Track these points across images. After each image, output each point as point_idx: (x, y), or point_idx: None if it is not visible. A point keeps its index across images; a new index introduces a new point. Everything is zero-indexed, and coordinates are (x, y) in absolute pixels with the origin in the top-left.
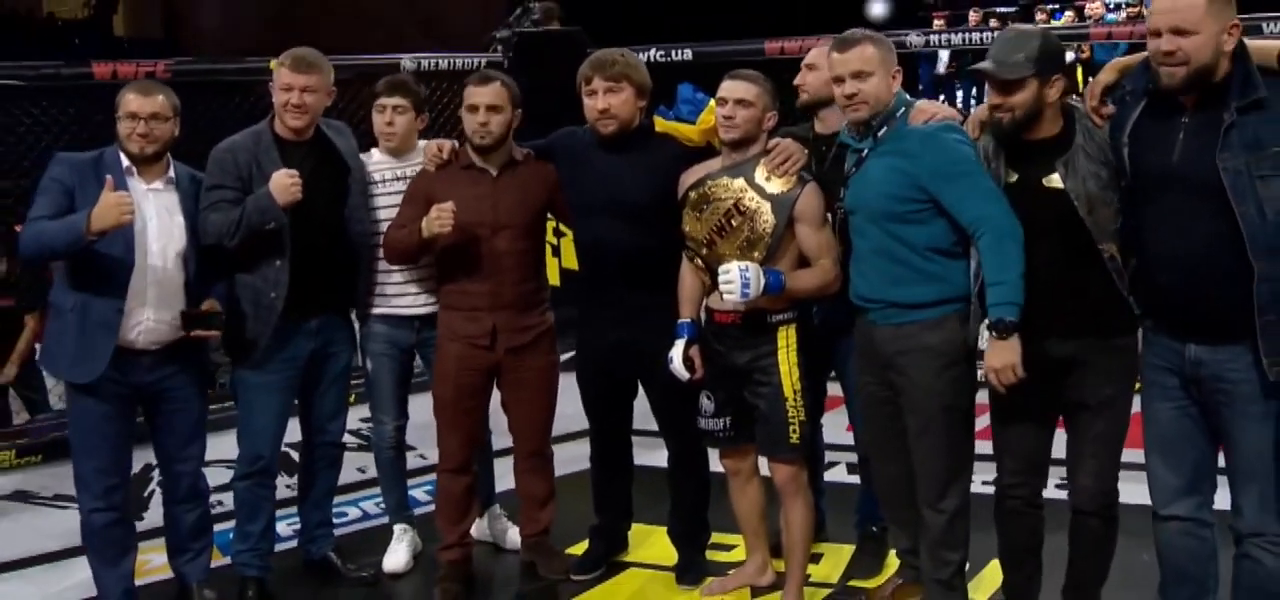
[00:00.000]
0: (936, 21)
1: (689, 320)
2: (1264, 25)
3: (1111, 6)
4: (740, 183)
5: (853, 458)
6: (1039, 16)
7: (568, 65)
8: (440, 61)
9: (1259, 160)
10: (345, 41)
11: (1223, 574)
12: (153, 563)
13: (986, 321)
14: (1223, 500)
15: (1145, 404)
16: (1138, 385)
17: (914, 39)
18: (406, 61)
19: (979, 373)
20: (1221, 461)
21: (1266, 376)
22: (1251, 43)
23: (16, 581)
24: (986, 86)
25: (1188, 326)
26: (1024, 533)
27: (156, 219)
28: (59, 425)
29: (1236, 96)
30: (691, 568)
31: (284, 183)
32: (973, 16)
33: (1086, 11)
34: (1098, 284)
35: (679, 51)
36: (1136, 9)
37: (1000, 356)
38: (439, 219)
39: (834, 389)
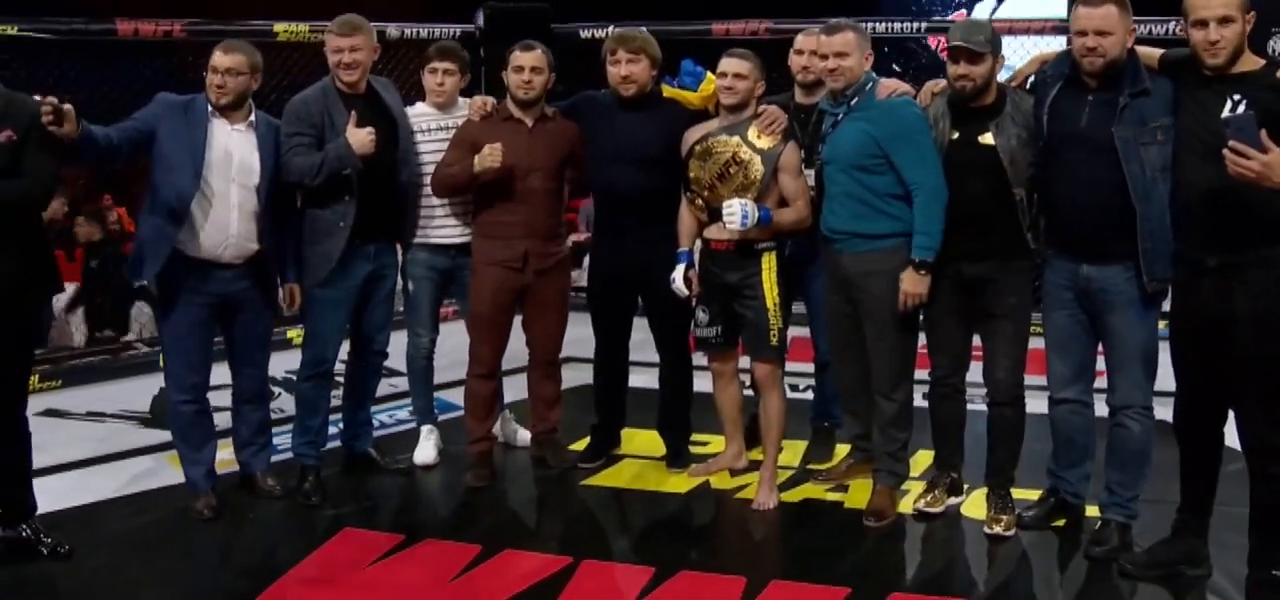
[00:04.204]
0: None
1: (687, 249)
2: (1150, 28)
3: None
4: (736, 140)
5: (800, 381)
6: None
7: (534, 35)
8: (421, 30)
9: (1142, 133)
10: (259, 7)
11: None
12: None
13: (921, 262)
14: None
15: (1046, 313)
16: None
17: None
18: (391, 29)
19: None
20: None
21: (1142, 288)
22: (1140, 49)
23: (92, 476)
24: (950, 59)
25: (1083, 251)
26: (953, 412)
27: (238, 155)
28: (75, 354)
29: (1129, 85)
30: (679, 455)
31: (364, 138)
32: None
33: None
34: (1007, 220)
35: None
36: None
37: (915, 285)
38: (491, 155)
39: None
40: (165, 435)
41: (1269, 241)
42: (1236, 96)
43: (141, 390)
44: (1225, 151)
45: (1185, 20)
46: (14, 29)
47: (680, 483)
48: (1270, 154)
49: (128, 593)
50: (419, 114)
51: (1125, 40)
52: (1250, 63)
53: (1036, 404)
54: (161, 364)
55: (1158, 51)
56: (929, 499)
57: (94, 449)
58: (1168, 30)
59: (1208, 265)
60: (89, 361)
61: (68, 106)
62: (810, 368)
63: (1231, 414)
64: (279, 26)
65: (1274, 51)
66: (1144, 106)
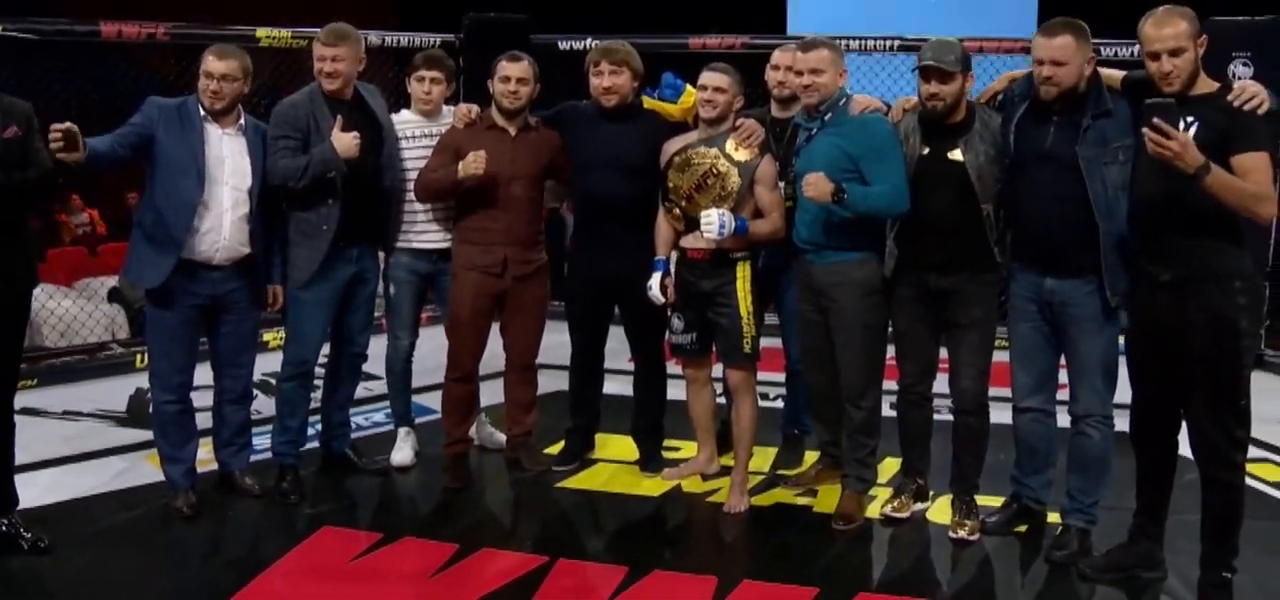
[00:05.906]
0: None
1: (663, 257)
2: (1106, 50)
3: None
4: (714, 151)
5: (771, 390)
6: None
7: (512, 46)
8: (402, 39)
9: (1104, 153)
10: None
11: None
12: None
13: (841, 191)
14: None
15: (1011, 325)
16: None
17: None
18: (372, 37)
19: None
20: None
21: (1104, 302)
22: (1103, 70)
23: (71, 473)
24: (922, 78)
25: (1047, 264)
26: (920, 420)
27: (230, 159)
28: (50, 353)
29: (1092, 107)
30: (652, 460)
31: (348, 142)
32: None
33: None
34: (974, 234)
35: None
36: None
37: (817, 187)
38: (475, 162)
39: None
40: (143, 434)
41: (1216, 254)
42: (1190, 118)
43: (117, 390)
44: (1144, 131)
45: (1141, 49)
46: None
47: (653, 486)
48: (1186, 134)
49: (112, 588)
50: (404, 121)
51: (1081, 68)
52: (1205, 85)
53: (1001, 414)
54: (139, 363)
55: (1120, 73)
56: (896, 504)
57: (72, 447)
58: (1132, 53)
59: (1161, 280)
60: (65, 361)
61: (72, 127)
62: (781, 376)
63: (1185, 424)
64: (261, 32)
65: (1234, 74)
66: (1106, 127)
